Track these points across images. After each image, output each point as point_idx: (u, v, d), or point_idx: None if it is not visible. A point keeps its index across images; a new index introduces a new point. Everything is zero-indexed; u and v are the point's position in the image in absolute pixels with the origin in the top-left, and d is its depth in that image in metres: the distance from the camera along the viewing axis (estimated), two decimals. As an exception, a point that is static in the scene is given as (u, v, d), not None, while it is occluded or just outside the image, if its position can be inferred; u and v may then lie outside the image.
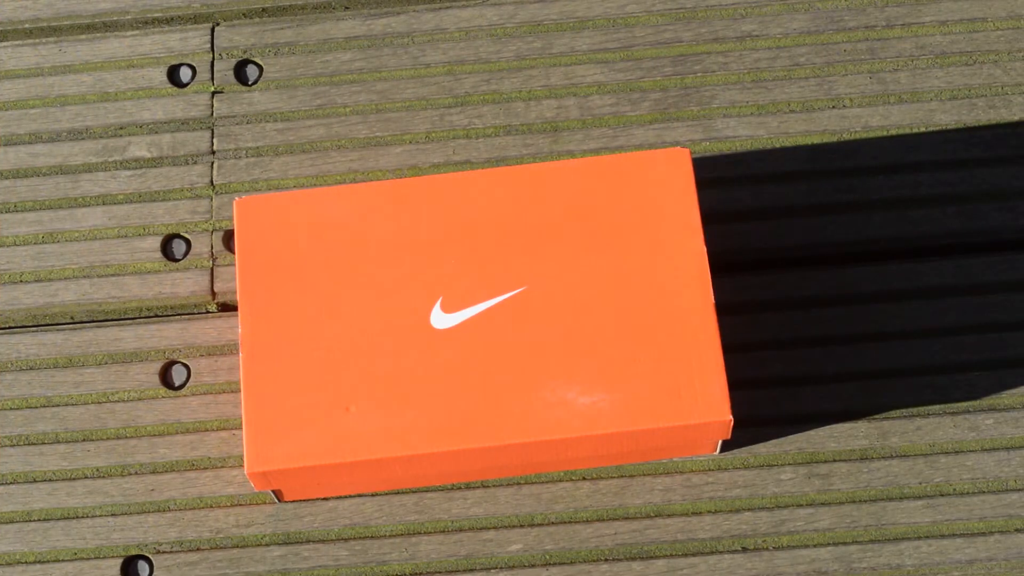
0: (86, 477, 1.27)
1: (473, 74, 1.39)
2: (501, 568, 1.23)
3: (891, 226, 1.32)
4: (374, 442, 1.16)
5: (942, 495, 1.24)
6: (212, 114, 1.39)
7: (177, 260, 1.34)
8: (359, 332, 1.18)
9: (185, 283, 1.33)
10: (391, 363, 1.17)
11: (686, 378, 1.16)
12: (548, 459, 1.21)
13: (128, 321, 1.33)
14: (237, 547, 1.25)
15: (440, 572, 1.24)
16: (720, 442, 1.24)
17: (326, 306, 1.19)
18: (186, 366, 1.31)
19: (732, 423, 1.16)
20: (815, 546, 1.23)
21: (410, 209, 1.22)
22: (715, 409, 1.15)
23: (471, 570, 1.24)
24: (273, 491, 1.24)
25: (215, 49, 1.41)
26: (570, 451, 1.18)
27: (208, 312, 1.33)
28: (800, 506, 1.24)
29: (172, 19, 1.43)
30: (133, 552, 1.25)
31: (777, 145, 1.35)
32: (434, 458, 1.16)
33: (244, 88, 1.40)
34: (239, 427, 1.27)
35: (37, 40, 1.42)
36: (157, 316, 1.33)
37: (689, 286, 1.18)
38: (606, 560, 1.23)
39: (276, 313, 1.19)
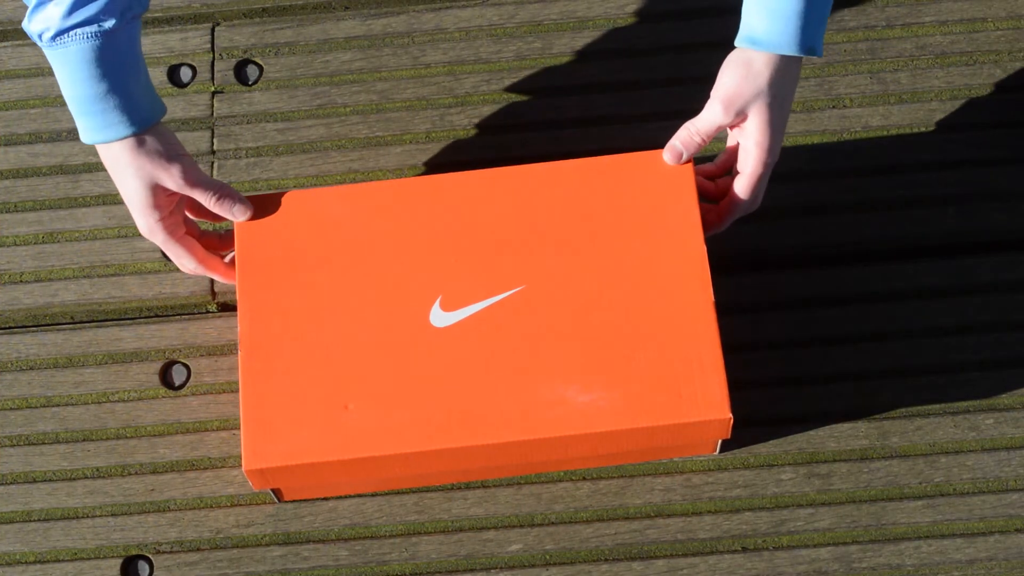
0: (86, 477, 1.27)
1: (473, 74, 1.39)
2: (501, 568, 1.23)
3: (891, 226, 1.32)
4: (372, 440, 1.16)
5: (942, 495, 1.24)
6: (212, 114, 1.39)
7: (177, 260, 1.34)
8: (358, 330, 1.18)
9: (185, 283, 1.33)
10: (390, 361, 1.17)
11: (685, 376, 1.16)
12: (547, 458, 1.21)
13: (128, 321, 1.33)
14: (237, 547, 1.25)
15: (440, 572, 1.24)
16: (720, 442, 1.24)
17: (325, 304, 1.19)
18: (186, 366, 1.31)
19: (732, 421, 1.16)
20: (815, 546, 1.23)
21: (410, 209, 1.22)
22: (715, 407, 1.15)
23: (471, 570, 1.24)
24: (272, 490, 1.24)
25: (215, 49, 1.41)
26: (569, 450, 1.18)
27: (208, 312, 1.33)
28: (800, 506, 1.24)
29: (172, 19, 1.43)
30: (133, 552, 1.25)
31: (777, 145, 1.35)
32: (432, 456, 1.16)
33: (244, 88, 1.40)
34: (239, 427, 1.27)
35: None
36: (157, 316, 1.33)
37: (689, 286, 1.18)
38: (606, 560, 1.23)
39: (275, 311, 1.19)
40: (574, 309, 1.18)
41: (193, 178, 1.18)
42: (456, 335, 1.18)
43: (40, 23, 1.11)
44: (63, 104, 1.39)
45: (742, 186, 1.18)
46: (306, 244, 1.21)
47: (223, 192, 1.20)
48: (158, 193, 1.17)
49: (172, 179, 1.16)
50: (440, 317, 1.18)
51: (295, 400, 1.17)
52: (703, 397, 1.15)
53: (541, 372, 1.16)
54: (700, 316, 1.17)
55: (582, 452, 1.19)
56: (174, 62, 1.41)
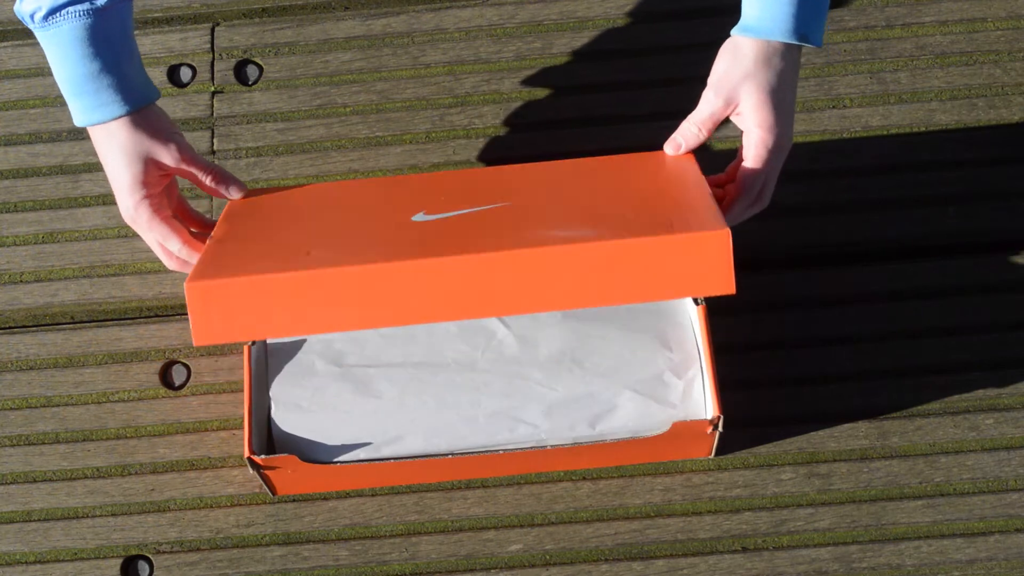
0: (86, 477, 1.27)
1: (473, 74, 1.39)
2: (501, 568, 1.23)
3: (891, 226, 1.32)
4: (331, 262, 1.07)
5: (942, 495, 1.24)
6: (212, 114, 1.39)
7: (177, 260, 1.34)
8: (335, 222, 1.15)
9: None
10: (365, 234, 1.13)
11: (675, 210, 1.10)
12: (529, 296, 1.09)
13: (128, 321, 1.33)
14: (237, 547, 1.25)
15: (440, 572, 1.24)
16: (715, 445, 1.23)
17: (304, 219, 1.16)
18: (186, 366, 1.31)
19: (730, 237, 1.08)
20: (815, 546, 1.23)
21: (409, 196, 1.20)
22: (709, 223, 1.08)
23: (471, 570, 1.24)
24: (264, 482, 1.23)
25: (215, 49, 1.41)
26: (551, 289, 1.08)
27: (208, 312, 1.33)
28: (800, 506, 1.24)
29: (172, 19, 1.43)
30: (133, 552, 1.25)
31: (777, 145, 1.35)
32: (394, 284, 1.07)
33: (244, 88, 1.40)
34: (239, 427, 1.27)
35: (37, 40, 1.41)
36: (157, 316, 1.33)
37: (678, 165, 1.16)
38: (606, 560, 1.23)
39: (252, 220, 1.16)
40: (562, 201, 1.14)
41: (189, 156, 1.17)
42: (437, 224, 1.12)
43: (31, 3, 1.10)
44: (63, 104, 1.39)
45: (745, 170, 1.16)
46: (299, 197, 1.20)
47: (219, 171, 1.19)
48: (150, 169, 1.16)
49: (169, 154, 1.16)
50: (423, 218, 1.13)
51: (257, 250, 1.11)
52: (695, 220, 1.08)
53: (524, 224, 1.10)
54: (688, 174, 1.14)
55: (566, 292, 1.08)
56: (174, 62, 1.41)
